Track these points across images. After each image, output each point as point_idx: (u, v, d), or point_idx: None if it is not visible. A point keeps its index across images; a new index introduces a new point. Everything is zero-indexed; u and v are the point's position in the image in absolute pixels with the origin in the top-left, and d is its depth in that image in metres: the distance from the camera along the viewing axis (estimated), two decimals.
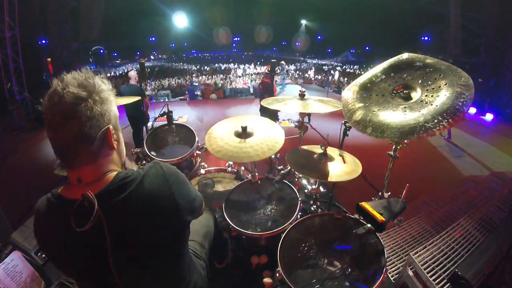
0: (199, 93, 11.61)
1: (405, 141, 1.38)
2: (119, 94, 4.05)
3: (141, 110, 3.92)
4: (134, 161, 2.24)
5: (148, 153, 2.18)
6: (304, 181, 2.27)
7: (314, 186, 2.09)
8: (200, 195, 1.04)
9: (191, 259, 1.14)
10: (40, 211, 0.82)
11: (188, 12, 14.80)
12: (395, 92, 1.38)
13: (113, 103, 0.85)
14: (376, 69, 1.51)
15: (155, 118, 2.55)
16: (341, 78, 13.62)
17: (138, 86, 4.11)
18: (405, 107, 1.27)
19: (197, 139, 2.28)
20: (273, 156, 2.30)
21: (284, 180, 1.88)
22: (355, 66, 16.68)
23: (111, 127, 0.82)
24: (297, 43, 19.90)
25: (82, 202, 0.73)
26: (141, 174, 0.83)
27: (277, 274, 1.26)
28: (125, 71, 13.72)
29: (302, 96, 1.99)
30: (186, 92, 11.53)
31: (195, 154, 2.28)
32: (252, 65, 16.45)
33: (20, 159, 5.43)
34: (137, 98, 2.55)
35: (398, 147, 1.43)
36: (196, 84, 12.63)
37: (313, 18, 18.60)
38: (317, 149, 1.83)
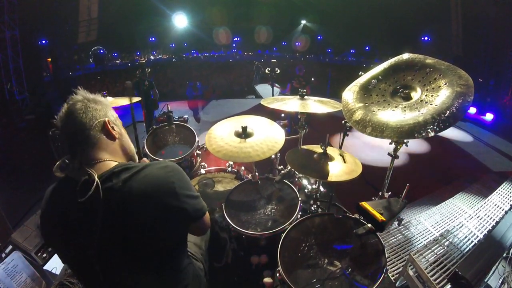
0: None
1: (405, 140, 1.38)
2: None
3: (152, 98, 4.70)
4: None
5: (148, 153, 2.18)
6: (304, 181, 2.27)
7: (314, 186, 2.09)
8: (205, 206, 1.00)
9: (189, 265, 1.10)
10: (49, 190, 0.92)
11: (188, 12, 14.78)
12: (395, 92, 1.38)
13: (109, 107, 1.01)
14: (376, 70, 1.51)
15: (156, 117, 2.56)
16: None
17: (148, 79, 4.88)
18: (405, 107, 1.27)
19: (197, 139, 2.29)
20: (273, 156, 2.30)
21: (284, 180, 1.88)
22: None
23: (107, 120, 0.96)
24: (297, 43, 19.82)
25: (87, 180, 0.82)
26: (144, 164, 0.91)
27: (277, 274, 1.26)
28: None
29: (302, 96, 1.99)
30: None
31: (195, 154, 2.29)
32: None
33: (20, 159, 5.42)
34: (138, 98, 2.56)
35: (398, 146, 1.43)
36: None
37: (313, 19, 18.54)
38: (317, 149, 1.83)
